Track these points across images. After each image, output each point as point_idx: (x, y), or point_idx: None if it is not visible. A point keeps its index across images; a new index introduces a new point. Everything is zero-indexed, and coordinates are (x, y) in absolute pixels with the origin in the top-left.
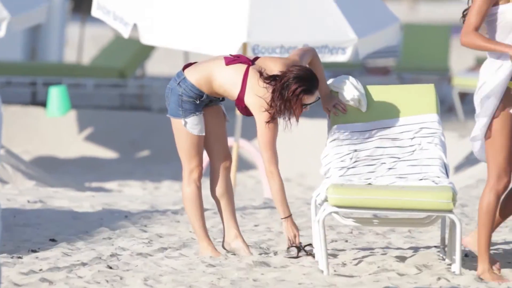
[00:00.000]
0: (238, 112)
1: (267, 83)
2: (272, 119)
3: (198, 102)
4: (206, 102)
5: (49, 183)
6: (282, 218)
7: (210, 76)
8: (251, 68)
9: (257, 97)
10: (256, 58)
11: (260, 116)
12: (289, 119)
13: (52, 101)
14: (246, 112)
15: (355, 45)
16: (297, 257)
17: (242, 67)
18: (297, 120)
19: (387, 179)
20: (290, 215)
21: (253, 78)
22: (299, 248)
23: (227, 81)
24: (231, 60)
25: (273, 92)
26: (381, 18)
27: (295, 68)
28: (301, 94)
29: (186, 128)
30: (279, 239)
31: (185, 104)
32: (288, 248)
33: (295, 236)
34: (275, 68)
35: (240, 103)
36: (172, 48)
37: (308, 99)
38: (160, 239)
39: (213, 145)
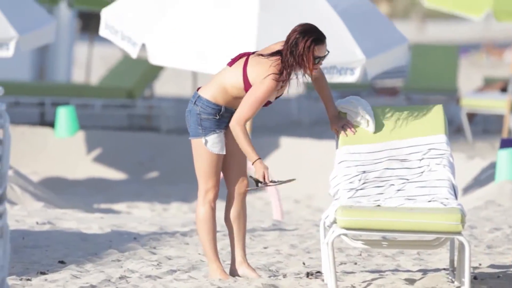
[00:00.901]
0: None
1: (271, 57)
2: (278, 83)
3: (217, 117)
4: (228, 119)
5: (57, 204)
6: (252, 163)
7: (221, 84)
8: (250, 55)
9: (258, 66)
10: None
11: (260, 81)
12: (304, 75)
13: (60, 122)
14: None
15: (364, 66)
16: (257, 187)
17: (242, 60)
18: (311, 75)
19: (396, 200)
20: (258, 158)
21: (253, 59)
22: (258, 181)
23: (233, 77)
24: (233, 61)
25: (283, 56)
26: (390, 38)
27: (297, 26)
28: (312, 44)
29: (207, 147)
30: (288, 261)
31: (204, 122)
32: (256, 183)
33: (264, 175)
34: (276, 47)
35: (248, 86)
36: (180, 68)
37: (319, 50)
38: (169, 261)
39: (231, 168)
